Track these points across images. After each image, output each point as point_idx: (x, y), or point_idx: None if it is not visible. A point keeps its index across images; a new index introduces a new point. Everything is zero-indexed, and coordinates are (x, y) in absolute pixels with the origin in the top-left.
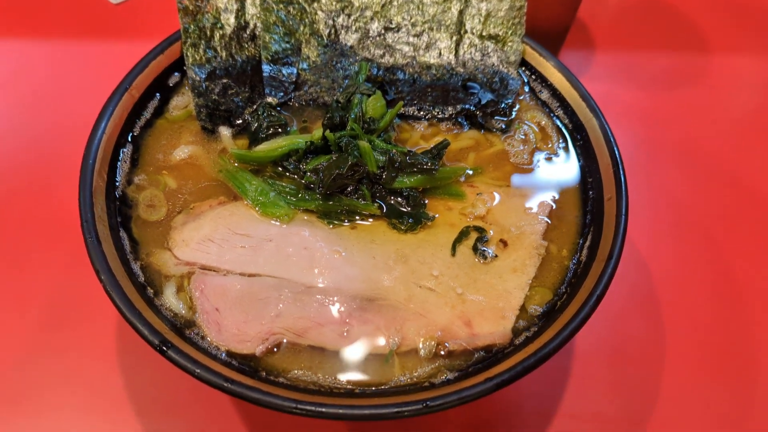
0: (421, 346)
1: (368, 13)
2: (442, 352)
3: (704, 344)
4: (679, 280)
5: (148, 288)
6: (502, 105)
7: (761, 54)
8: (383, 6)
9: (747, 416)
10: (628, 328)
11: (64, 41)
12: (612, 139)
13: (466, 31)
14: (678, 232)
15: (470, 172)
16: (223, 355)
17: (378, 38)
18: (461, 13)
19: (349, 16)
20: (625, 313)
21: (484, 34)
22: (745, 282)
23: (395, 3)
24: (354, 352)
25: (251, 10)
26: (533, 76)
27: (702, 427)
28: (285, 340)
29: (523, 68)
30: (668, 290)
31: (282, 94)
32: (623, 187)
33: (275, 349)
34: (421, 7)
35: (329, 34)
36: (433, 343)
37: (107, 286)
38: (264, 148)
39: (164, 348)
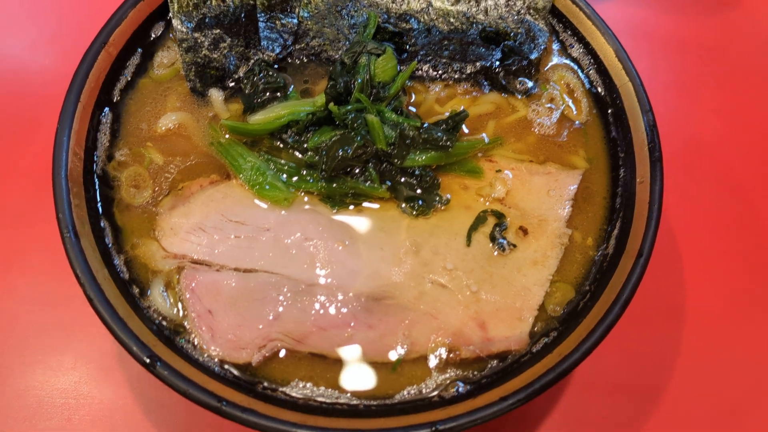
0: (431, 353)
1: None
2: (454, 360)
3: (732, 370)
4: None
5: (133, 286)
6: (527, 61)
7: None
8: None
9: None
10: (646, 331)
11: None
12: (650, 111)
13: None
14: (713, 203)
15: (486, 140)
16: (217, 367)
17: None
18: None
19: None
20: (645, 313)
21: None
22: None
23: None
24: (358, 360)
25: None
26: (563, 28)
27: None
28: (284, 347)
29: (553, 18)
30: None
31: (280, 48)
32: (659, 172)
33: (273, 357)
34: None
35: None
36: (444, 349)
37: (88, 291)
38: (260, 119)
39: (153, 364)
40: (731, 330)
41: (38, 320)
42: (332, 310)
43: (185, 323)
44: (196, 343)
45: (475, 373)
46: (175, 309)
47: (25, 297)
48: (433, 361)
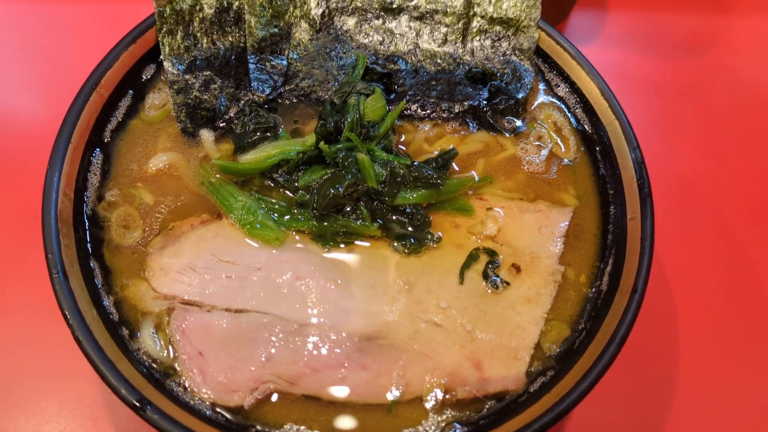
0: (426, 394)
1: None
2: (450, 401)
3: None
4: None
5: (123, 328)
6: (514, 101)
7: None
8: None
9: None
10: (641, 368)
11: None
12: (638, 148)
13: (474, 14)
14: (702, 238)
15: (476, 178)
16: (209, 410)
17: (377, 21)
18: None
19: None
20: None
21: (495, 16)
22: None
23: None
24: (352, 402)
25: None
26: (549, 67)
27: None
28: (276, 390)
29: (538, 58)
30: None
31: (270, 89)
32: (649, 207)
33: (266, 400)
34: None
35: (322, 16)
36: (439, 390)
37: (77, 333)
38: (251, 158)
39: (143, 409)
40: (726, 367)
41: (21, 363)
42: (325, 351)
43: (176, 365)
44: (187, 385)
45: (473, 414)
46: (166, 351)
47: (7, 339)
48: (429, 403)
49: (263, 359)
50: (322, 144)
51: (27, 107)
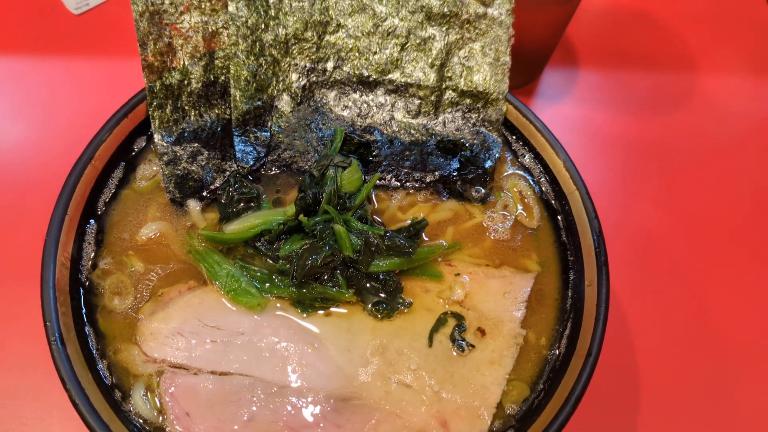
0: None
1: (346, 68)
2: None
3: None
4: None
5: (116, 390)
6: (482, 170)
7: (750, 72)
8: (360, 60)
9: None
10: (602, 423)
11: (22, 56)
12: (596, 219)
13: (447, 87)
14: (663, 291)
15: (445, 245)
16: None
17: (354, 95)
18: (442, 67)
19: (324, 71)
20: (601, 405)
21: (465, 89)
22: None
23: (373, 58)
24: None
25: (220, 63)
26: (515, 138)
27: None
28: None
29: (506, 129)
30: (654, 377)
31: (254, 160)
32: (605, 276)
33: None
34: (399, 61)
35: (303, 89)
36: None
37: (74, 397)
38: (235, 228)
39: None
40: (685, 419)
41: (18, 414)
42: (303, 411)
43: (165, 426)
44: None
45: None
46: (155, 412)
47: (4, 391)
48: None
49: (245, 419)
50: (301, 217)
51: (22, 163)
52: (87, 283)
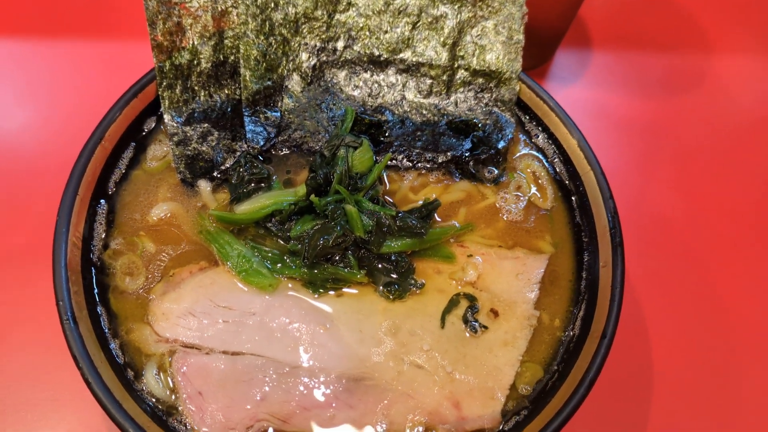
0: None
1: (356, 47)
2: None
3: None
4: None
5: (128, 370)
6: (495, 151)
7: (766, 55)
8: (371, 39)
9: None
10: (614, 406)
11: (27, 38)
12: (610, 199)
13: (459, 66)
14: (675, 275)
15: (458, 226)
16: None
17: (365, 74)
18: (454, 46)
19: (334, 51)
20: (613, 389)
21: (478, 69)
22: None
23: (384, 37)
24: None
25: (230, 42)
26: (529, 118)
27: None
28: (270, 428)
29: (519, 109)
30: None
31: (264, 140)
32: (620, 257)
33: None
34: (411, 40)
35: (314, 69)
36: (420, 428)
37: (86, 375)
38: (246, 209)
39: None
40: (696, 403)
41: (31, 395)
42: (315, 391)
43: (177, 405)
44: (187, 423)
45: None
46: (168, 391)
47: (17, 371)
48: None
49: (258, 399)
50: (313, 197)
51: (29, 149)
52: (98, 263)
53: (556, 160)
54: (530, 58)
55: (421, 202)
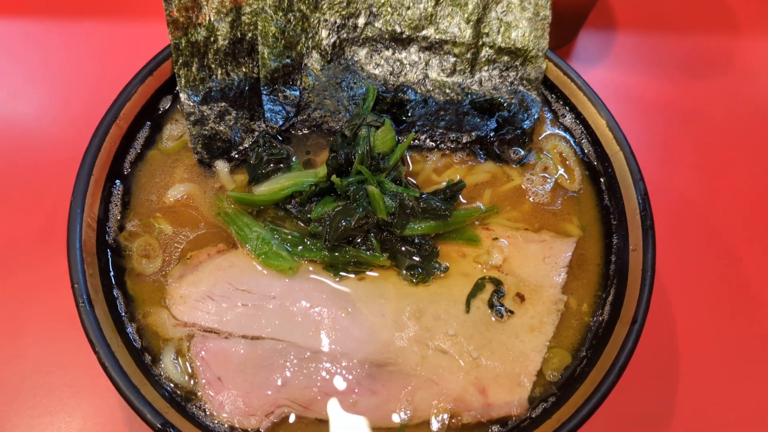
0: (433, 419)
1: (378, 24)
2: (456, 425)
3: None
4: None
5: (146, 354)
6: (521, 131)
7: None
8: (393, 15)
9: None
10: (642, 394)
11: (40, 18)
12: (641, 180)
13: (483, 44)
14: (702, 259)
15: (483, 208)
16: None
17: (387, 52)
18: (478, 22)
19: (355, 27)
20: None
21: (503, 46)
22: None
23: (406, 13)
24: (363, 425)
25: (247, 19)
26: (555, 98)
27: None
28: (291, 413)
29: (545, 88)
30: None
31: (283, 120)
32: (651, 240)
33: (282, 423)
34: (434, 17)
35: (333, 46)
36: (446, 415)
37: (103, 360)
38: (265, 190)
39: (166, 431)
40: (726, 391)
41: (47, 381)
42: (337, 377)
43: (196, 390)
44: (206, 409)
45: None
46: (186, 376)
47: (34, 358)
48: (435, 426)
49: (279, 384)
50: (334, 177)
51: (43, 131)
52: (114, 245)
53: (583, 140)
54: (553, 38)
55: (444, 184)
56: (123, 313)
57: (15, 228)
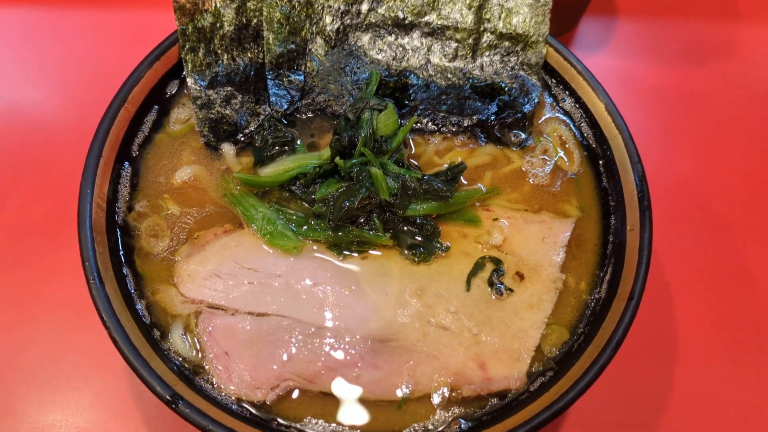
0: (434, 392)
1: (381, 10)
2: (456, 398)
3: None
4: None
5: (155, 330)
6: (521, 115)
7: None
8: (396, 1)
9: None
10: (638, 369)
11: (47, 4)
12: (639, 162)
13: (484, 30)
14: (699, 242)
15: (483, 189)
16: (234, 405)
17: (390, 37)
18: (480, 8)
19: (358, 13)
20: (638, 352)
21: (504, 32)
22: None
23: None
24: (366, 399)
25: (252, 5)
26: (555, 82)
27: None
28: (296, 387)
29: (546, 73)
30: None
31: (288, 104)
32: (648, 220)
33: (287, 396)
34: (436, 3)
35: (337, 32)
36: (446, 389)
37: (113, 334)
38: (270, 171)
39: (175, 403)
40: (721, 368)
41: (57, 360)
42: (340, 352)
43: (204, 364)
44: (214, 382)
45: (476, 410)
46: (194, 351)
47: (43, 336)
48: (436, 400)
49: (284, 359)
50: (337, 159)
51: (49, 115)
52: (123, 225)
53: (583, 124)
54: (554, 25)
55: (446, 166)
56: (132, 291)
57: (26, 211)
